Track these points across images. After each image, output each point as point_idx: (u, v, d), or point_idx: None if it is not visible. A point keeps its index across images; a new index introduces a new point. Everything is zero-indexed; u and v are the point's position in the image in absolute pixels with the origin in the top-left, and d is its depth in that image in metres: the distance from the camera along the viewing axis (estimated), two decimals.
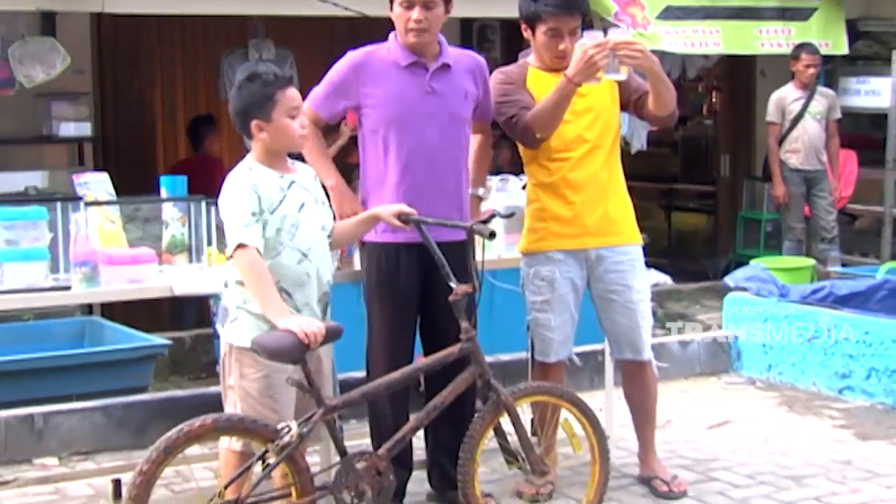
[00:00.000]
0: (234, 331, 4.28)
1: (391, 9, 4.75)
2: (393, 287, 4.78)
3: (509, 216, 4.95)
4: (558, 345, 5.08)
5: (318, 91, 4.82)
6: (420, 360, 4.61)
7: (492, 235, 4.58)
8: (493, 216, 4.76)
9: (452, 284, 4.42)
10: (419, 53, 4.74)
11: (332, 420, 4.20)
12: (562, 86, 4.77)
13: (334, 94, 4.79)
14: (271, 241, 4.20)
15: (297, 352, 4.03)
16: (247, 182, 4.20)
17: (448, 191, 4.81)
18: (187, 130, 9.62)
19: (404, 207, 4.56)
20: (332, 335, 4.20)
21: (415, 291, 4.80)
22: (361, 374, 4.91)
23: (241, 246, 4.13)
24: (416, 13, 4.65)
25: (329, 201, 4.60)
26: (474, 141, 5.08)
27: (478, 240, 4.83)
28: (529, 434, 4.62)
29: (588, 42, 4.70)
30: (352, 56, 4.82)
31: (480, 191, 5.13)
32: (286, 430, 4.01)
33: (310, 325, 4.06)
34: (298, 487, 4.08)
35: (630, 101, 5.04)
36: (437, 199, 4.74)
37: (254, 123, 4.24)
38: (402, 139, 4.75)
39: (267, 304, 4.13)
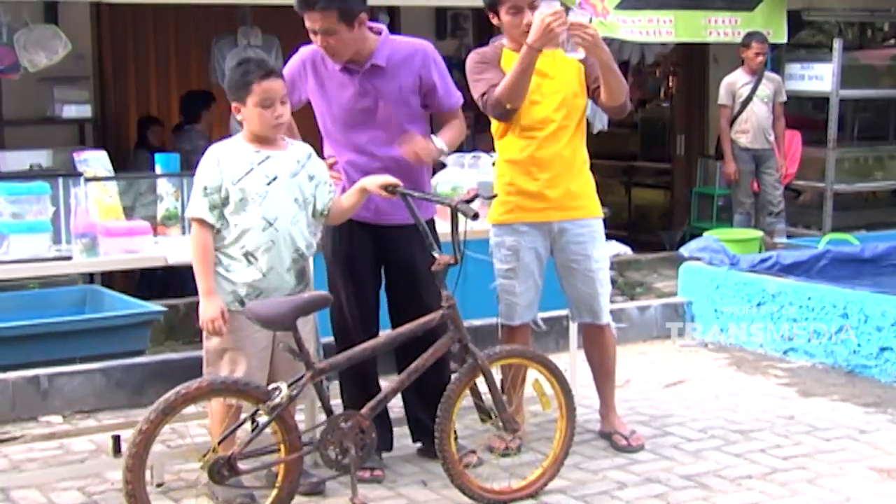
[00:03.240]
0: None
1: None
2: (347, 258, 4.75)
3: (491, 198, 4.86)
4: (522, 309, 5.08)
5: None
6: (404, 326, 4.52)
7: (475, 217, 4.40)
8: (476, 196, 4.56)
9: (435, 254, 4.39)
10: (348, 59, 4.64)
11: (319, 382, 4.20)
12: (524, 53, 4.72)
13: (289, 88, 4.63)
14: (236, 207, 4.31)
15: (288, 319, 4.07)
16: (213, 156, 4.36)
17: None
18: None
19: (390, 178, 4.48)
20: (320, 304, 4.29)
21: (369, 263, 4.77)
22: None
23: (192, 219, 4.32)
24: (319, 40, 4.56)
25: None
26: (448, 126, 4.85)
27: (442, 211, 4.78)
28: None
29: (545, 10, 4.66)
30: (301, 53, 4.76)
31: (438, 141, 4.71)
32: (277, 391, 4.01)
33: (208, 313, 4.23)
34: (287, 445, 4.09)
35: (589, 88, 5.01)
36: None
37: (234, 105, 4.37)
38: (344, 138, 4.71)
39: (198, 276, 4.30)
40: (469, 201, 4.45)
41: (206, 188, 4.29)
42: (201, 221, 4.29)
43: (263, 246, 4.32)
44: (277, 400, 4.00)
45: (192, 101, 9.29)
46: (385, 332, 4.63)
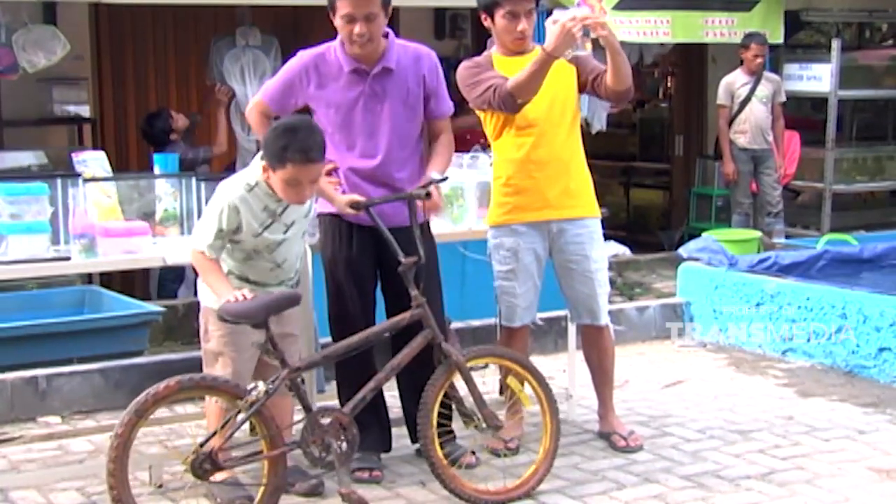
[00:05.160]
0: (203, 292, 4.43)
1: (333, 18, 4.61)
2: (347, 259, 4.75)
3: (443, 180, 4.84)
4: (522, 311, 5.08)
5: (270, 84, 4.75)
6: (377, 325, 4.59)
7: (427, 195, 4.54)
8: (430, 182, 4.63)
9: (401, 258, 4.43)
10: (361, 60, 4.63)
11: (296, 379, 4.22)
12: (541, 58, 4.68)
13: (285, 91, 4.67)
14: (248, 253, 4.34)
15: (258, 315, 4.09)
16: (234, 200, 4.25)
17: (397, 189, 4.69)
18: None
19: (355, 196, 4.58)
20: (290, 302, 4.27)
21: (369, 263, 4.78)
22: None
23: (200, 251, 4.26)
24: (358, 28, 4.52)
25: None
26: (437, 141, 4.88)
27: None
28: (498, 393, 4.63)
29: (561, 17, 4.64)
30: (302, 57, 4.72)
31: (435, 174, 4.75)
32: (254, 387, 4.06)
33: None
34: (268, 441, 4.12)
35: (588, 82, 4.98)
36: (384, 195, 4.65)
37: (263, 164, 4.24)
38: (348, 141, 4.69)
39: (217, 290, 4.22)
40: (423, 187, 4.58)
41: (221, 230, 4.25)
42: (201, 251, 4.29)
43: (270, 280, 4.42)
44: (254, 395, 4.03)
45: (153, 124, 8.44)
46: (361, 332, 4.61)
